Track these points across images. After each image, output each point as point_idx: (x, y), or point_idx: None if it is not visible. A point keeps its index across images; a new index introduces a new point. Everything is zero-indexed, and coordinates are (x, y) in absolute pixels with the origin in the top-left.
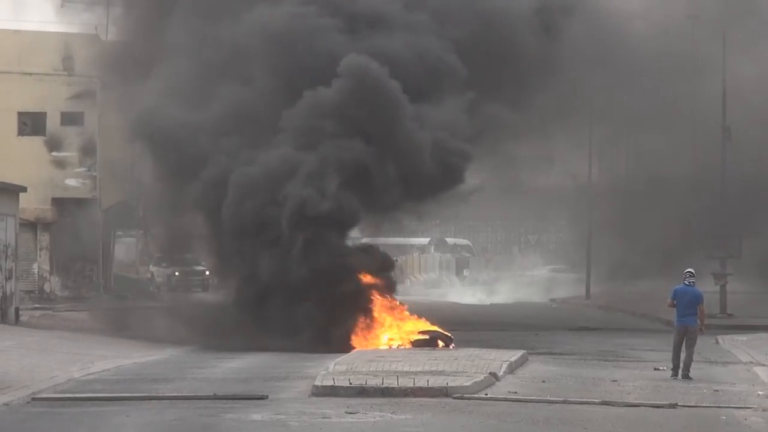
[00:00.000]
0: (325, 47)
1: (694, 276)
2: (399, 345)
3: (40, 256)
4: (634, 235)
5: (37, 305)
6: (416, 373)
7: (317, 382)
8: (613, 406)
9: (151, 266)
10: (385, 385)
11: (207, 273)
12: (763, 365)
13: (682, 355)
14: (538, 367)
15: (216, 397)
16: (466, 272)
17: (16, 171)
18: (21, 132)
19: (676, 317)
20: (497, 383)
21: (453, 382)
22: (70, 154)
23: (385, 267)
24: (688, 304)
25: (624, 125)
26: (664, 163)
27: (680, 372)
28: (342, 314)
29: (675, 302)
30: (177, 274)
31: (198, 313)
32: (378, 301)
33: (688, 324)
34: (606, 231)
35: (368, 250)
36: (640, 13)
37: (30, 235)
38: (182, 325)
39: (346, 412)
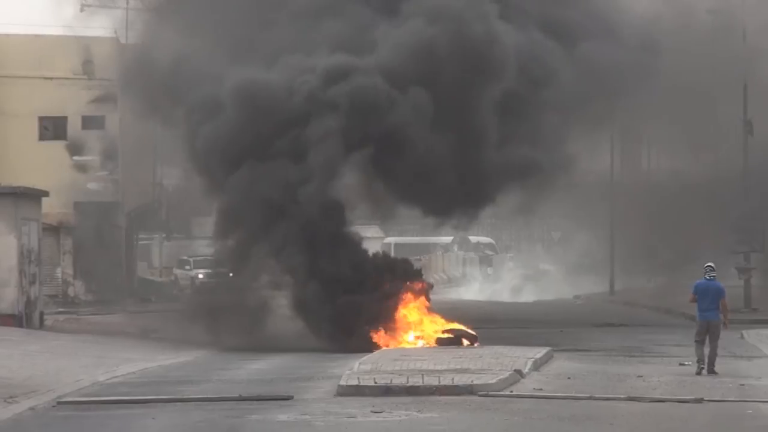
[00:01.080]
0: None
1: (714, 270)
2: (424, 344)
3: (63, 261)
4: (656, 231)
5: (61, 309)
6: (441, 371)
7: (342, 382)
8: (639, 401)
9: (174, 269)
10: (410, 384)
11: (231, 275)
12: None
13: (706, 350)
14: (563, 364)
15: (241, 399)
16: (489, 270)
17: (38, 176)
18: (42, 137)
19: (698, 312)
20: (522, 380)
21: (478, 379)
22: (91, 157)
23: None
24: (710, 298)
25: (645, 121)
26: (685, 157)
27: (705, 367)
28: (371, 314)
29: (696, 297)
30: (200, 276)
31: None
32: (409, 301)
33: (711, 319)
34: (629, 226)
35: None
36: (661, 8)
37: (53, 239)
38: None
39: (372, 412)
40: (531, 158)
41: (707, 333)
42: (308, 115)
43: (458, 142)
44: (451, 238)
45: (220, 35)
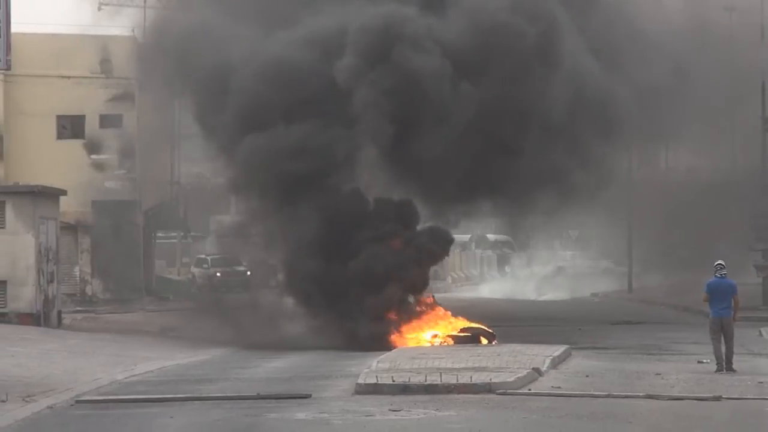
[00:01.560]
0: None
1: (724, 268)
2: (441, 342)
3: (81, 259)
4: (674, 229)
5: (79, 308)
6: (459, 369)
7: (360, 380)
8: (657, 399)
9: (192, 267)
10: (428, 382)
11: (248, 273)
12: None
13: (723, 348)
14: (581, 362)
15: (259, 397)
16: (507, 268)
17: (55, 174)
18: (60, 135)
19: (712, 310)
20: (541, 378)
21: (496, 378)
22: (109, 156)
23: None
24: (722, 296)
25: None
26: (703, 155)
27: (724, 365)
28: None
29: (709, 296)
30: (218, 274)
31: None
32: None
33: (723, 316)
34: (647, 224)
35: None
36: (677, 5)
37: (71, 238)
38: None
39: (390, 410)
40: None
41: (721, 330)
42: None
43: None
44: (469, 235)
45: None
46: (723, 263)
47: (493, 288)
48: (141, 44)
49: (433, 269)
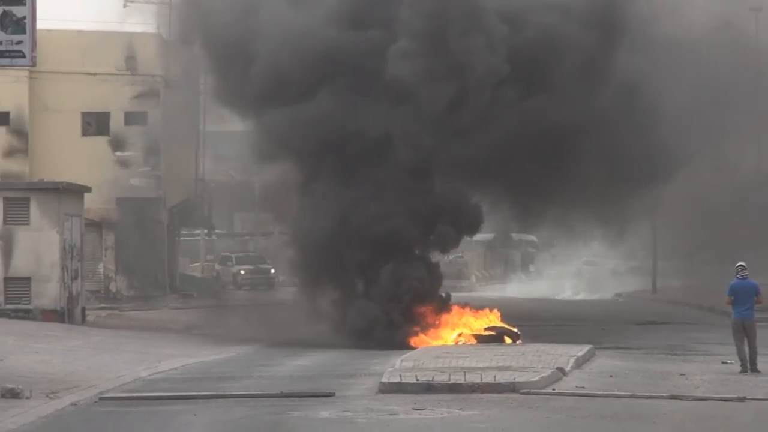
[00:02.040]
0: None
1: (746, 269)
2: (464, 341)
3: (105, 256)
4: (699, 229)
5: (103, 305)
6: (483, 368)
7: (384, 379)
8: (681, 399)
9: (216, 265)
10: (452, 382)
11: (272, 271)
12: None
13: (746, 350)
14: (605, 362)
15: (283, 395)
16: (531, 267)
17: (80, 171)
18: (85, 132)
19: (734, 311)
20: (564, 378)
21: (520, 377)
22: (133, 153)
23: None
24: (746, 298)
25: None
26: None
27: (748, 366)
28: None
29: (732, 298)
30: (242, 272)
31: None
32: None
33: (746, 317)
34: (672, 223)
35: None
36: (703, 4)
37: (95, 235)
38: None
39: (414, 409)
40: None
41: (744, 332)
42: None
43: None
44: (493, 234)
45: None
46: (744, 264)
47: (518, 287)
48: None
49: (457, 268)
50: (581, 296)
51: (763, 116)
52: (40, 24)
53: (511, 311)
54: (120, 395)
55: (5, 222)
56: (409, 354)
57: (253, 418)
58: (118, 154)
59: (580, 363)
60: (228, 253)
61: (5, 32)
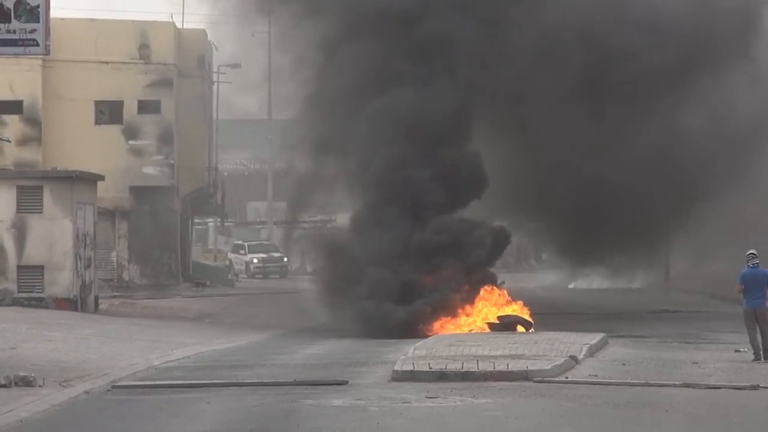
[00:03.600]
0: None
1: (757, 257)
2: (478, 329)
3: (118, 245)
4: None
5: (116, 293)
6: (496, 357)
7: (397, 367)
8: (694, 388)
9: (229, 253)
10: (465, 370)
11: (285, 260)
12: None
13: (760, 338)
14: (618, 350)
15: (296, 383)
16: (544, 256)
17: (93, 160)
18: (98, 121)
19: (745, 300)
20: (577, 366)
21: (533, 365)
22: (147, 142)
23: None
24: (757, 286)
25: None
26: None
27: (761, 354)
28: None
29: (744, 287)
30: (255, 261)
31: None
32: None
33: (757, 306)
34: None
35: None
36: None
37: (108, 223)
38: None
39: (426, 397)
40: None
41: (755, 320)
42: None
43: None
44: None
45: None
46: (755, 252)
47: (531, 276)
48: None
49: None
50: (594, 285)
51: None
52: (54, 12)
53: (523, 300)
54: (133, 383)
55: (18, 210)
56: (421, 342)
57: (266, 406)
58: (131, 142)
59: (593, 351)
60: (240, 242)
61: (19, 21)
